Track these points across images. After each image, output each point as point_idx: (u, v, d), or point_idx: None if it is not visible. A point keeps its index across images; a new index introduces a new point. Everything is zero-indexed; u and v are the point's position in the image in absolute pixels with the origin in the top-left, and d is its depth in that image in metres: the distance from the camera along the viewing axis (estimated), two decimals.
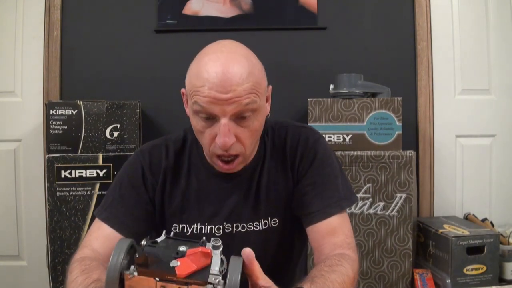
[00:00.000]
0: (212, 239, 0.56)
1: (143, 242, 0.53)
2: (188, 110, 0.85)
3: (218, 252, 0.55)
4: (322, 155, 0.88)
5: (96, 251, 0.80)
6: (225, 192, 0.88)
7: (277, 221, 0.88)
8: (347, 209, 0.88)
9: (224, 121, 0.75)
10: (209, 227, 0.88)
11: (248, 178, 0.88)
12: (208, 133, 0.78)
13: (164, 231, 0.57)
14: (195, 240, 0.55)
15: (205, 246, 0.55)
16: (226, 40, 0.82)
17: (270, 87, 0.86)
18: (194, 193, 0.89)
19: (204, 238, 0.56)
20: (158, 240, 0.54)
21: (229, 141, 0.75)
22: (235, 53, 0.77)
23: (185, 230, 0.88)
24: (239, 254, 0.86)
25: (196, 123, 0.79)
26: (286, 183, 0.89)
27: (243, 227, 0.88)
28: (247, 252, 0.58)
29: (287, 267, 0.95)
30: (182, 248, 0.53)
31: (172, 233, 0.57)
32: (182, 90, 0.86)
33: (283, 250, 0.91)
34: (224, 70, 0.73)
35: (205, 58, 0.77)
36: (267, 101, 0.85)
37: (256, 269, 0.59)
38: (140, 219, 0.86)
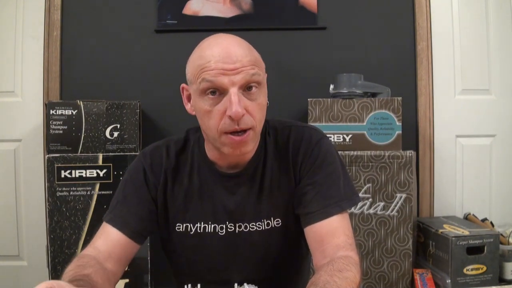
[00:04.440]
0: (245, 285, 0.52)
1: None
2: (189, 107, 0.85)
3: None
4: (324, 154, 0.87)
5: (97, 248, 0.82)
6: (228, 191, 0.88)
7: (280, 221, 0.88)
8: (348, 209, 0.87)
9: (233, 90, 0.76)
10: (212, 226, 0.87)
11: (251, 177, 0.88)
12: (217, 109, 0.77)
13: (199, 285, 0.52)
14: None
15: None
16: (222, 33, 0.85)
17: (266, 75, 0.87)
18: (197, 192, 0.89)
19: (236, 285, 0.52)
20: None
21: (240, 110, 0.75)
22: (233, 37, 0.82)
23: (188, 229, 0.88)
24: (242, 254, 0.86)
25: (204, 103, 0.78)
26: (289, 183, 0.88)
27: (246, 227, 0.87)
28: None
29: (293, 268, 0.94)
30: None
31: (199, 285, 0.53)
32: (182, 85, 0.86)
33: (287, 251, 0.90)
34: (227, 46, 0.78)
35: (205, 43, 0.81)
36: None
37: None
38: (143, 219, 0.87)
